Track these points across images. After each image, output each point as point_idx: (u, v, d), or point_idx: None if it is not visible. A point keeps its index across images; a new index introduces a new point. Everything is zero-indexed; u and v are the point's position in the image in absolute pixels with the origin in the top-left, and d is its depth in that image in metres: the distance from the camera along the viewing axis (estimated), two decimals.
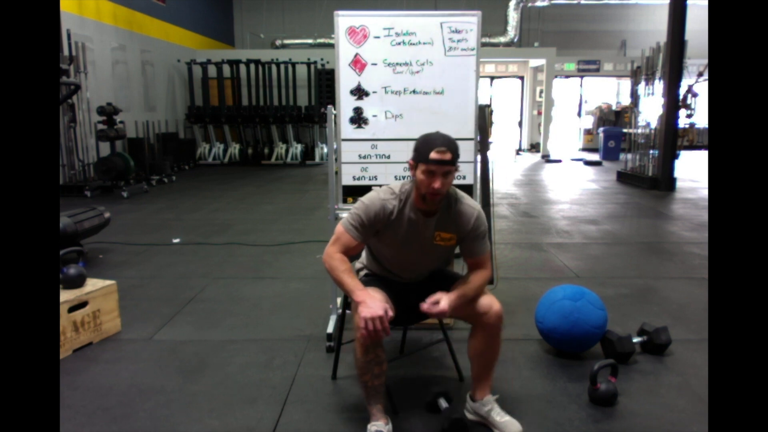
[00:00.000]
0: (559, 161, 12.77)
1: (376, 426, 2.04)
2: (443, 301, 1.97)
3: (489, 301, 2.06)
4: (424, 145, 1.98)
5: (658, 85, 8.61)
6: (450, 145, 1.96)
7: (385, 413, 2.08)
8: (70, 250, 3.59)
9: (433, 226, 2.10)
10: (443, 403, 2.16)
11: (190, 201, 7.54)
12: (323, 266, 2.10)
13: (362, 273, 2.33)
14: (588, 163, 12.31)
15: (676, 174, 8.53)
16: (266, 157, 12.38)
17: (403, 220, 2.07)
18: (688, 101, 10.69)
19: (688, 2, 8.18)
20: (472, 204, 2.14)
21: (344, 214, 2.86)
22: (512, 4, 14.87)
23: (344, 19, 2.84)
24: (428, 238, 2.11)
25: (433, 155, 1.93)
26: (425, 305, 1.97)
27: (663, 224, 6.07)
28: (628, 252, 4.85)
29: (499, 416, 2.10)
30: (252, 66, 12.14)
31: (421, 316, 2.14)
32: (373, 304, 1.88)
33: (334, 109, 2.90)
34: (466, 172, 3.01)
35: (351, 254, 2.10)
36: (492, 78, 15.71)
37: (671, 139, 8.41)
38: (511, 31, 15.06)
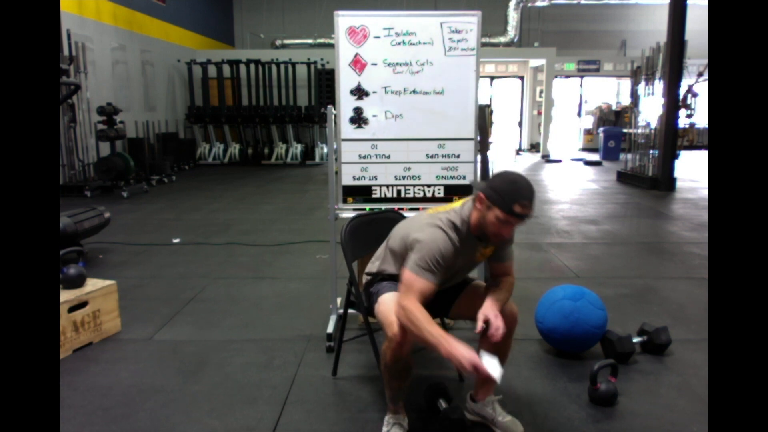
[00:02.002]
0: (559, 161, 12.77)
1: (395, 418, 2.07)
2: (492, 317, 1.91)
3: (508, 306, 2.07)
4: (510, 191, 1.83)
5: (658, 85, 8.61)
6: (533, 195, 1.85)
7: (404, 409, 2.10)
8: (70, 250, 3.59)
9: (480, 245, 2.04)
10: (443, 403, 2.15)
11: (190, 201, 7.54)
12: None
13: (380, 277, 2.20)
14: (588, 163, 12.31)
15: (676, 174, 8.53)
16: (266, 157, 12.38)
17: (463, 251, 1.99)
18: (688, 101, 10.70)
19: (688, 2, 8.18)
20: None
21: (344, 214, 2.87)
22: (512, 4, 14.87)
23: (344, 19, 2.84)
24: (473, 256, 2.05)
25: (517, 209, 1.81)
26: (495, 369, 1.77)
27: (663, 224, 6.07)
28: (628, 252, 4.85)
29: (501, 416, 2.11)
30: (252, 66, 12.14)
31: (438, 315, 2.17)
32: (466, 351, 1.75)
33: (334, 109, 2.90)
34: (466, 172, 3.01)
35: (427, 301, 1.90)
36: (492, 78, 15.71)
37: (671, 139, 8.41)
38: (511, 31, 15.05)
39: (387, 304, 2.00)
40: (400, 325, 1.87)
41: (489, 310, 1.93)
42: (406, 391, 2.07)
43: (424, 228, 1.94)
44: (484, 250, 2.06)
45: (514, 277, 2.14)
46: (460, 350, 1.73)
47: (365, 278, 2.27)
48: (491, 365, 1.75)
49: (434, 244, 1.89)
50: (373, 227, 2.50)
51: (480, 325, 1.91)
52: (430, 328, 1.80)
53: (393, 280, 2.12)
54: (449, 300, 2.20)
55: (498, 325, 1.89)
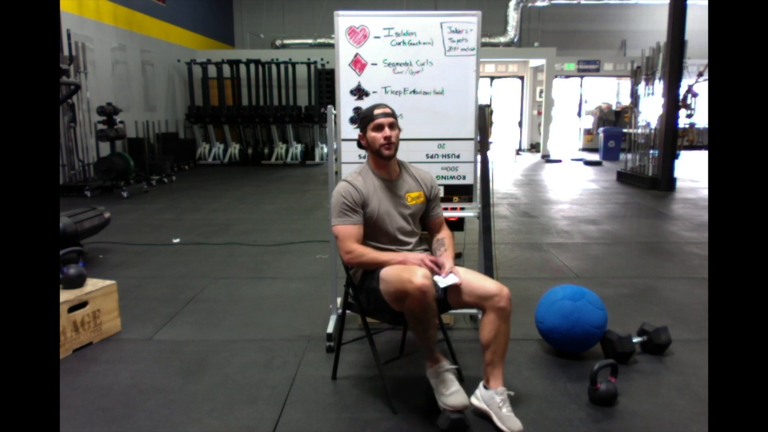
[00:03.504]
0: (559, 161, 12.77)
1: (440, 366, 2.14)
2: (447, 264, 2.21)
3: (498, 286, 2.15)
4: (367, 109, 2.37)
5: (658, 85, 8.61)
6: (386, 105, 2.36)
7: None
8: (70, 250, 3.59)
9: (401, 188, 2.39)
10: None
11: (190, 201, 7.54)
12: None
13: (360, 272, 2.35)
14: (588, 163, 12.31)
15: (676, 174, 8.53)
16: (266, 157, 12.38)
17: (371, 189, 2.34)
18: (688, 101, 10.69)
19: (688, 2, 8.18)
20: (423, 168, 2.56)
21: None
22: (512, 4, 14.87)
23: (344, 19, 2.84)
24: (401, 198, 2.38)
25: (376, 112, 2.31)
26: (441, 280, 2.15)
27: (663, 224, 6.07)
28: (628, 252, 4.85)
29: (506, 409, 2.11)
30: (252, 66, 12.14)
31: None
32: (413, 255, 2.23)
33: (334, 109, 2.90)
34: (466, 172, 3.01)
35: (360, 241, 2.29)
36: (492, 78, 15.71)
37: (671, 139, 8.41)
38: (511, 31, 15.05)
39: (388, 274, 2.14)
40: (419, 277, 2.00)
41: (444, 259, 2.27)
42: (437, 337, 2.17)
43: None
44: (412, 194, 2.41)
45: (449, 230, 2.52)
46: (410, 257, 2.20)
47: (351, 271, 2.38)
48: (441, 280, 2.15)
49: (335, 194, 2.33)
50: None
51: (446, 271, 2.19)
52: (378, 255, 2.24)
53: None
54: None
55: (449, 267, 2.21)
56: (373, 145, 2.32)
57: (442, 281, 2.15)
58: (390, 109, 2.34)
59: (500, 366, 2.19)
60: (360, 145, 2.43)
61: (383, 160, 2.34)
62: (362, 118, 2.35)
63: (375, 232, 2.34)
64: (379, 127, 2.29)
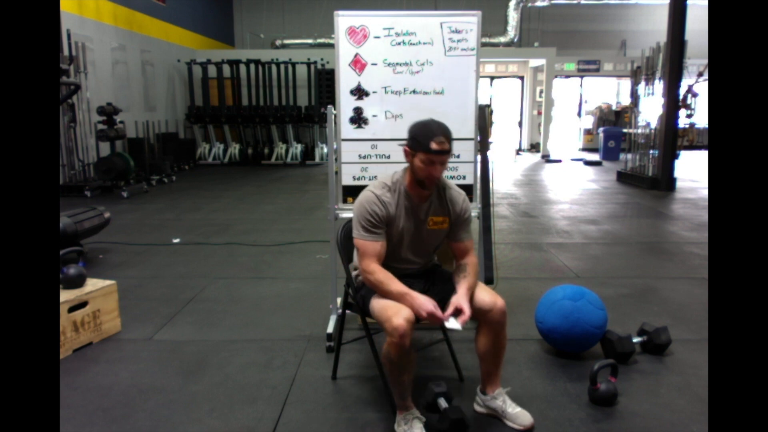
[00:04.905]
0: (559, 161, 12.77)
1: (411, 413, 2.08)
2: (464, 307, 2.00)
3: (492, 298, 2.10)
4: (423, 134, 2.05)
5: (658, 85, 8.61)
6: (447, 134, 2.05)
7: (414, 403, 2.12)
8: (70, 250, 3.59)
9: (427, 211, 2.19)
10: (443, 403, 2.15)
11: (190, 201, 7.54)
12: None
13: (360, 277, 2.30)
14: (588, 163, 12.30)
15: (676, 174, 8.53)
16: (266, 157, 12.38)
17: (400, 209, 2.16)
18: (688, 101, 10.69)
19: (688, 2, 8.18)
20: (458, 190, 2.29)
21: (344, 214, 2.87)
22: (512, 4, 14.86)
23: (344, 19, 2.84)
24: (423, 222, 2.19)
25: (433, 146, 2.01)
26: (453, 322, 1.99)
27: (663, 224, 6.07)
28: (628, 252, 4.85)
29: (511, 408, 2.14)
30: (252, 66, 12.14)
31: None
32: (425, 301, 1.97)
33: (334, 109, 2.90)
34: (466, 172, 3.01)
35: (382, 258, 2.14)
36: (492, 78, 15.70)
37: (671, 139, 8.41)
38: (511, 31, 15.05)
39: (379, 303, 2.06)
40: (399, 318, 1.91)
41: (461, 299, 2.03)
42: (412, 384, 2.08)
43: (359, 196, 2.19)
44: (435, 218, 2.20)
45: (475, 257, 2.26)
46: (420, 300, 1.97)
47: (353, 272, 2.33)
48: (452, 322, 1.99)
49: (360, 204, 2.14)
50: None
51: (450, 310, 2.00)
52: (392, 286, 2.03)
53: None
54: (441, 305, 2.20)
55: (467, 316, 1.98)
56: (416, 172, 2.10)
57: (448, 324, 2.01)
58: (448, 142, 2.04)
59: (497, 373, 2.20)
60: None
61: (420, 187, 2.14)
62: (415, 139, 2.07)
63: (387, 249, 2.19)
64: (430, 162, 2.04)
